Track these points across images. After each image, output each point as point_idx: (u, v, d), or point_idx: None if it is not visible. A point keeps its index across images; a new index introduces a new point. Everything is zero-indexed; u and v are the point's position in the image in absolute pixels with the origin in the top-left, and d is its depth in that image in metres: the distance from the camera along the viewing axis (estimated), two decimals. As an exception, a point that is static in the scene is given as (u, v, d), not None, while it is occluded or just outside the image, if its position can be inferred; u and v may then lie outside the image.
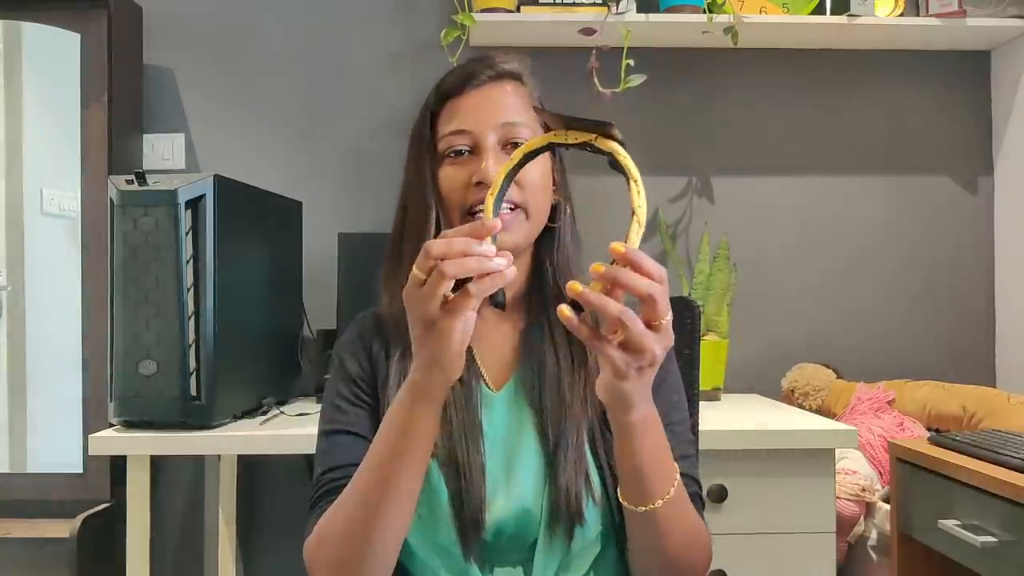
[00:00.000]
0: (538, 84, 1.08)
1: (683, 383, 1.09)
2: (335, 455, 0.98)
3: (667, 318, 0.78)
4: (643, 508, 0.89)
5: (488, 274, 0.78)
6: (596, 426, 0.99)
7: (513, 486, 0.96)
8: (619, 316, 0.75)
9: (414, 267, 0.79)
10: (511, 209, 0.99)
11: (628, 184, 0.81)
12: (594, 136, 0.82)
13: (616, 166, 0.82)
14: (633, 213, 0.79)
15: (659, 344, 0.78)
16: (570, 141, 0.83)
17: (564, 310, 0.76)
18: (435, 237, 0.99)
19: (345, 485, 0.91)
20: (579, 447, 0.97)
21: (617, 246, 0.75)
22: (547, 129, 1.06)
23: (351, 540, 0.89)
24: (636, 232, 0.78)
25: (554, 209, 1.06)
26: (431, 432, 0.87)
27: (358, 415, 1.00)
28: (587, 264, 0.79)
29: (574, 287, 0.75)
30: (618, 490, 0.92)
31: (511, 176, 0.85)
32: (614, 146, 0.82)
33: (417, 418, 0.85)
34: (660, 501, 0.89)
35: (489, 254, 0.77)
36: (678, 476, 0.91)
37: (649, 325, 0.77)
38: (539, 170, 1.01)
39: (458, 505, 0.94)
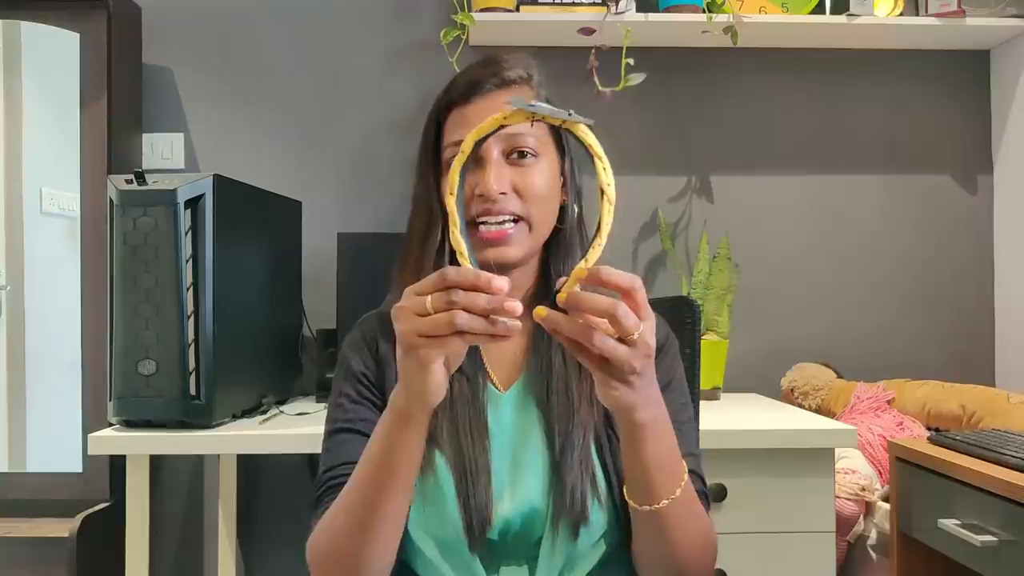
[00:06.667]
0: (546, 83, 1.06)
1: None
2: (336, 453, 0.98)
3: (638, 331, 0.75)
4: (648, 507, 0.89)
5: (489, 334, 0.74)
6: (602, 427, 0.99)
7: (519, 486, 0.97)
8: (588, 336, 0.74)
9: (420, 287, 0.76)
10: (513, 221, 0.97)
11: (593, 162, 0.78)
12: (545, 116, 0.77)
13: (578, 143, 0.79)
14: (603, 193, 0.77)
15: (634, 358, 0.76)
16: (520, 120, 0.78)
17: (541, 310, 0.76)
18: (438, 243, 0.99)
19: (344, 483, 0.91)
20: (585, 448, 0.97)
21: (580, 270, 0.75)
22: (554, 134, 1.06)
23: (339, 556, 0.89)
24: (608, 212, 0.77)
25: (563, 209, 1.05)
26: (415, 455, 0.86)
27: (358, 412, 1.00)
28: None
29: (540, 312, 0.75)
30: (624, 489, 0.92)
31: (464, 172, 0.80)
32: (572, 124, 0.77)
33: (398, 441, 0.84)
34: (666, 501, 0.88)
35: (513, 311, 0.73)
36: (686, 476, 0.90)
37: (623, 341, 0.76)
38: (543, 180, 0.99)
39: (464, 504, 0.94)
